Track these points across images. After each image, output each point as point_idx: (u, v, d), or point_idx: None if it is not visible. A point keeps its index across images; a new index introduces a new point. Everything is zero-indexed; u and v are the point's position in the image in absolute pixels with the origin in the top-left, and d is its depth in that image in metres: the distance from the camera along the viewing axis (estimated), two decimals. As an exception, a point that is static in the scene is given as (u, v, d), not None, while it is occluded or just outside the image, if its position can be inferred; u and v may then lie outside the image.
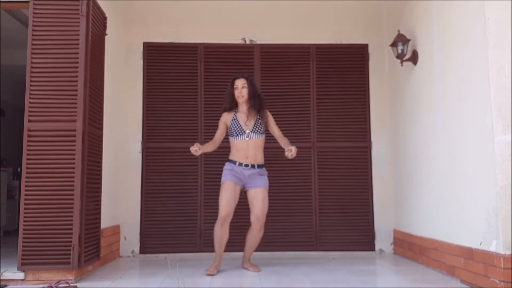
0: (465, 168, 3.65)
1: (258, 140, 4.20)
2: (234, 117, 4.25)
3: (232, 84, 4.29)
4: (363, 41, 5.54)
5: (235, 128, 4.20)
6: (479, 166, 3.43)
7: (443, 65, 4.03)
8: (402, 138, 5.05)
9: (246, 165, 4.17)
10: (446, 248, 3.93)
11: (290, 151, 4.01)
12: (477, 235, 3.44)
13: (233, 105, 4.32)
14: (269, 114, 4.33)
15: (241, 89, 4.23)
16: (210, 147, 4.32)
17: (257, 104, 4.24)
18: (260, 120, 4.23)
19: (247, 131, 4.17)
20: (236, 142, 4.20)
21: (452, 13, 3.85)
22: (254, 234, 4.23)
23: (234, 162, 4.20)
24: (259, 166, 4.22)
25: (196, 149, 4.07)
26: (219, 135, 4.35)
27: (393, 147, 5.35)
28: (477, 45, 3.44)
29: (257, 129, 4.19)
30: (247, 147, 4.17)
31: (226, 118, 4.32)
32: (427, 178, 4.39)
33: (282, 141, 4.26)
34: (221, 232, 4.17)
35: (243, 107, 4.28)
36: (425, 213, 4.44)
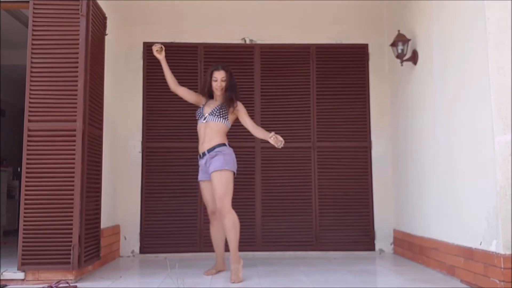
0: (465, 168, 3.65)
1: (215, 124, 3.99)
2: (204, 103, 4.17)
3: (211, 75, 4.14)
4: (363, 41, 5.54)
5: (198, 113, 4.12)
6: (479, 166, 3.43)
7: (443, 65, 4.04)
8: (402, 138, 5.05)
9: (200, 156, 4.07)
10: (446, 248, 3.93)
11: (276, 138, 3.78)
12: (477, 235, 3.44)
13: (207, 93, 4.19)
14: (240, 105, 4.13)
15: (220, 82, 4.10)
16: (169, 73, 4.20)
17: (230, 96, 4.09)
18: (224, 108, 4.04)
19: (206, 114, 4.05)
20: (198, 126, 4.11)
21: (452, 13, 3.86)
22: (222, 224, 3.96)
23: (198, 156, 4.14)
24: (210, 150, 3.97)
25: (159, 48, 4.06)
26: (187, 90, 4.25)
27: (393, 147, 5.35)
28: (477, 45, 3.44)
29: (215, 112, 4.02)
30: (204, 131, 4.02)
31: (201, 98, 4.23)
32: (427, 178, 4.39)
33: (258, 131, 4.05)
34: (212, 231, 4.16)
35: (217, 97, 4.16)
36: (425, 213, 4.44)
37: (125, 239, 5.19)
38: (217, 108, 4.04)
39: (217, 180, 3.91)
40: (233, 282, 3.76)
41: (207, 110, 4.08)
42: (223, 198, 3.89)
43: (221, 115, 4.02)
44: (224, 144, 4.02)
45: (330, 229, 5.25)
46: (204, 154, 4.02)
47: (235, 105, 4.08)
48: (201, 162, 4.06)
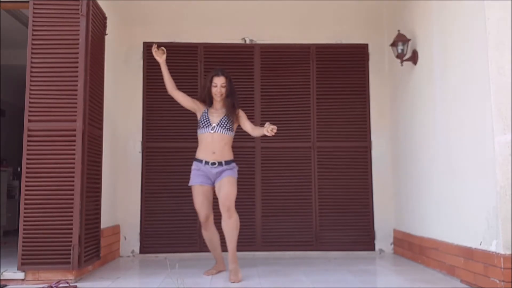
0: (465, 168, 3.65)
1: (224, 136, 4.02)
2: (206, 110, 4.14)
3: (211, 80, 4.13)
4: (363, 41, 5.54)
5: (203, 120, 4.08)
6: (479, 166, 3.43)
7: (443, 65, 4.04)
8: (402, 138, 5.05)
9: (213, 163, 4.01)
10: (446, 248, 3.93)
11: (269, 126, 3.76)
12: (477, 235, 3.44)
13: (207, 99, 4.17)
14: (240, 112, 4.16)
15: (220, 88, 4.09)
16: (168, 75, 4.18)
17: (231, 103, 4.10)
18: (229, 117, 4.07)
19: (213, 124, 4.03)
20: (202, 135, 4.08)
21: (452, 13, 3.86)
22: (225, 223, 3.97)
23: (201, 161, 4.06)
24: (227, 162, 4.03)
25: (159, 52, 4.09)
26: (184, 95, 4.22)
27: (393, 147, 5.35)
28: (477, 45, 3.44)
29: (223, 124, 4.03)
30: (212, 141, 4.02)
31: (198, 105, 4.20)
32: (427, 178, 4.39)
33: (256, 131, 4.07)
34: (208, 235, 4.15)
35: (217, 104, 4.15)
36: (425, 213, 4.44)
37: (125, 239, 5.19)
38: (225, 120, 4.05)
39: (230, 183, 4.00)
40: (233, 282, 3.77)
41: (213, 119, 4.07)
42: (232, 198, 3.99)
43: (229, 128, 4.07)
44: (234, 161, 4.14)
45: (330, 229, 5.25)
46: (220, 164, 4.01)
47: (236, 112, 4.12)
48: (211, 170, 4.02)
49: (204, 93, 4.20)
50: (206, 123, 4.08)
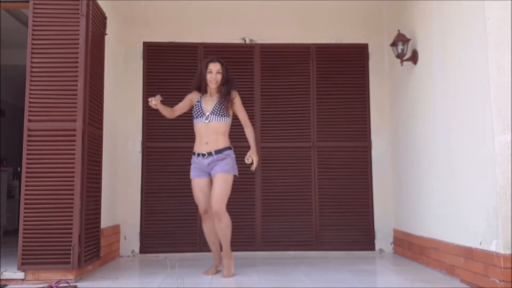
0: (465, 168, 3.65)
1: (218, 124, 3.98)
2: (199, 98, 4.10)
3: (206, 66, 4.08)
4: (363, 41, 5.54)
5: (197, 110, 4.05)
6: (479, 166, 3.43)
7: (443, 65, 4.04)
8: (402, 138, 5.06)
9: (204, 155, 3.98)
10: (446, 248, 3.93)
11: (250, 160, 3.98)
12: (477, 235, 3.44)
13: (202, 86, 4.14)
14: (236, 95, 4.11)
15: (215, 74, 4.04)
16: (167, 111, 4.11)
17: (227, 90, 4.06)
18: (223, 104, 4.02)
19: (207, 113, 4.00)
20: (196, 125, 4.06)
21: (452, 13, 3.86)
22: (216, 226, 3.96)
23: (195, 154, 4.06)
24: (217, 151, 3.96)
25: (155, 100, 3.89)
26: (180, 106, 4.17)
27: (393, 147, 5.35)
28: (477, 45, 3.44)
29: (217, 111, 3.99)
30: (207, 131, 3.98)
31: (193, 96, 4.16)
32: (427, 178, 4.39)
33: (248, 132, 4.09)
34: (206, 228, 4.13)
35: (212, 91, 4.11)
36: (425, 213, 4.44)
37: (125, 239, 5.19)
38: (218, 106, 4.02)
39: (221, 183, 3.91)
40: (225, 277, 3.82)
41: (206, 108, 4.03)
42: (221, 202, 3.91)
43: (224, 114, 4.01)
44: (230, 148, 4.05)
45: (330, 229, 5.25)
46: (210, 154, 3.97)
47: (232, 97, 4.08)
48: (203, 161, 4.01)
49: (200, 80, 4.14)
50: (199, 112, 4.04)
